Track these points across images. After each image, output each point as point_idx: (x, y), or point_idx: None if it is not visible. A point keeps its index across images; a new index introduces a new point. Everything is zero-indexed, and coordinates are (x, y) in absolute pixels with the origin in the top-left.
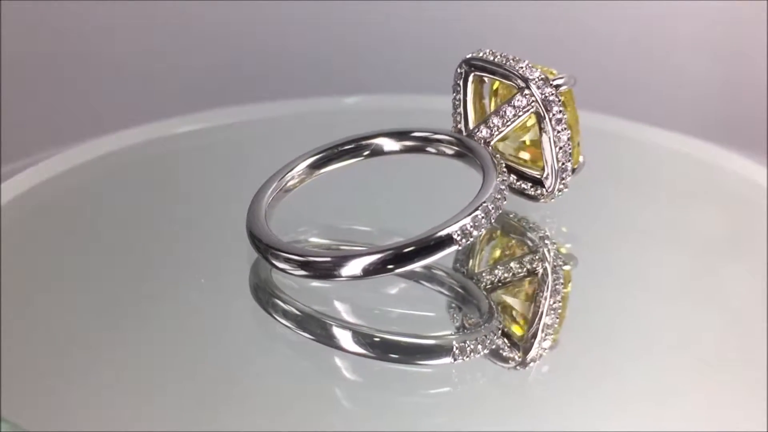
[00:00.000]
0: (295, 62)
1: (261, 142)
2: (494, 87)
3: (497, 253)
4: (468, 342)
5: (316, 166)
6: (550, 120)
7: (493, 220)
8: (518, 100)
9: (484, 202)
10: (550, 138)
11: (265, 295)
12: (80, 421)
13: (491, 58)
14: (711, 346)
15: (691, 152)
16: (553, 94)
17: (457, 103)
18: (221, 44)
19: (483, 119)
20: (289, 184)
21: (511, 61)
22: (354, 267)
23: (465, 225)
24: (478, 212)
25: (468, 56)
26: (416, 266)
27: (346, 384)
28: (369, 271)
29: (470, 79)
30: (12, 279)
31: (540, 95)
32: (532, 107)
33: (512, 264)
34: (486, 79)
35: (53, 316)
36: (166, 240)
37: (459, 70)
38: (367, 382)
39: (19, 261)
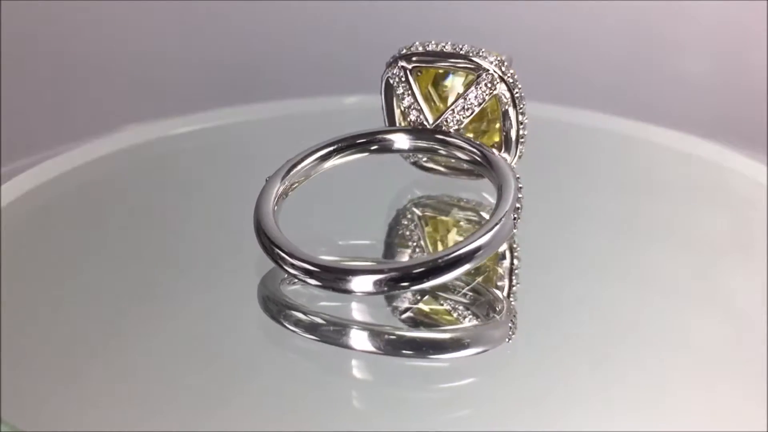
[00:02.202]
0: (295, 62)
1: (261, 142)
2: (437, 75)
3: (455, 237)
4: (512, 323)
5: (322, 159)
6: (515, 98)
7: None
8: (483, 85)
9: (506, 213)
10: (513, 116)
11: (274, 305)
12: (80, 424)
13: (439, 49)
14: (711, 345)
15: (691, 150)
16: (512, 75)
17: (408, 97)
18: (221, 44)
19: (448, 107)
20: (296, 178)
21: (466, 47)
22: (363, 282)
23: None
24: (497, 227)
25: (404, 52)
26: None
27: (358, 383)
28: (381, 288)
29: (410, 72)
30: (12, 280)
31: (508, 78)
32: (497, 89)
33: None
34: (421, 71)
35: (54, 317)
36: (168, 241)
37: (401, 65)
38: (378, 380)
39: (20, 262)
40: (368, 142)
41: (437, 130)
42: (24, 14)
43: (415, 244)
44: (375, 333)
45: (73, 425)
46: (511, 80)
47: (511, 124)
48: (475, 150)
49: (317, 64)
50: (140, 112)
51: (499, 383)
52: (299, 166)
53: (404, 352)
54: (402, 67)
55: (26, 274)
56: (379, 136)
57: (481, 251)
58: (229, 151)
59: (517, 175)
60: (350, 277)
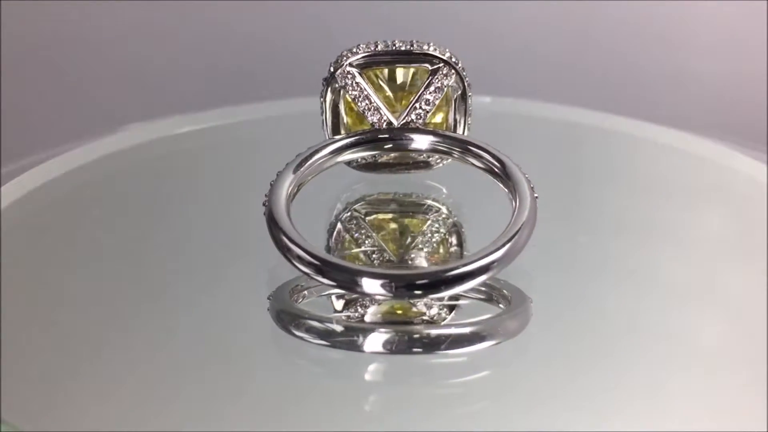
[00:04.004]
0: (295, 62)
1: (261, 142)
2: (383, 74)
3: (407, 232)
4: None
5: (337, 152)
6: (465, 86)
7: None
8: (441, 76)
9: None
10: (463, 103)
11: (287, 316)
12: (80, 424)
13: (389, 48)
14: (711, 344)
15: (690, 149)
16: (461, 64)
17: (365, 100)
18: (221, 44)
19: (411, 103)
20: (309, 171)
21: (417, 44)
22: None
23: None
24: (512, 241)
25: (349, 55)
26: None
27: (369, 386)
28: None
29: (360, 74)
30: (12, 280)
31: (459, 68)
32: (452, 79)
33: (428, 233)
34: (366, 72)
35: (54, 317)
36: (169, 241)
37: (349, 70)
38: (389, 381)
39: (20, 262)
40: (388, 138)
41: (454, 135)
42: (24, 14)
43: (371, 248)
44: (387, 333)
45: (73, 425)
46: (460, 68)
47: (461, 111)
48: (493, 157)
49: (317, 64)
50: (140, 112)
51: (509, 376)
52: (313, 158)
53: (416, 350)
54: (350, 71)
55: (26, 274)
56: (402, 134)
57: (496, 263)
58: (230, 151)
59: (532, 185)
60: (361, 278)
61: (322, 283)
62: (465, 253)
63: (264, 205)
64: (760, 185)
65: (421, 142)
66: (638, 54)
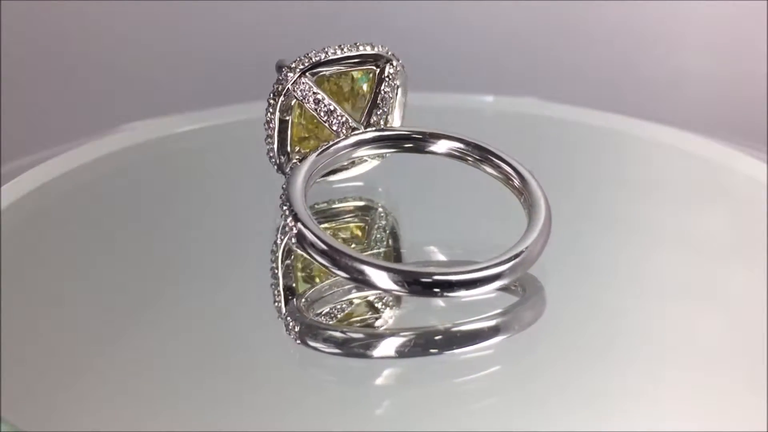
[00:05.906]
0: None
1: (260, 141)
2: (332, 80)
3: (356, 237)
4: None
5: (360, 145)
6: (405, 79)
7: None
8: (394, 75)
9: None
10: (406, 96)
11: (303, 328)
12: (80, 424)
13: (334, 53)
14: (711, 344)
15: (691, 149)
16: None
17: (325, 108)
18: (221, 44)
19: (374, 104)
20: (330, 159)
21: (360, 47)
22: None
23: None
24: (522, 255)
25: (299, 65)
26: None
27: (379, 390)
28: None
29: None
30: (12, 280)
31: (400, 63)
32: (399, 75)
33: (375, 235)
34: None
35: (54, 317)
36: (169, 241)
37: (304, 81)
38: (398, 383)
39: (20, 262)
40: (420, 139)
41: (480, 143)
42: (24, 14)
43: None
44: (405, 336)
45: (73, 425)
46: (401, 63)
47: (400, 105)
48: (513, 169)
49: None
50: (140, 111)
51: (519, 371)
52: (335, 148)
53: (432, 350)
54: (305, 81)
55: (26, 274)
56: (429, 137)
57: (508, 270)
58: (230, 150)
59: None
60: (371, 269)
61: (337, 275)
62: (402, 251)
63: (281, 197)
64: (760, 185)
65: (441, 146)
66: (638, 54)
